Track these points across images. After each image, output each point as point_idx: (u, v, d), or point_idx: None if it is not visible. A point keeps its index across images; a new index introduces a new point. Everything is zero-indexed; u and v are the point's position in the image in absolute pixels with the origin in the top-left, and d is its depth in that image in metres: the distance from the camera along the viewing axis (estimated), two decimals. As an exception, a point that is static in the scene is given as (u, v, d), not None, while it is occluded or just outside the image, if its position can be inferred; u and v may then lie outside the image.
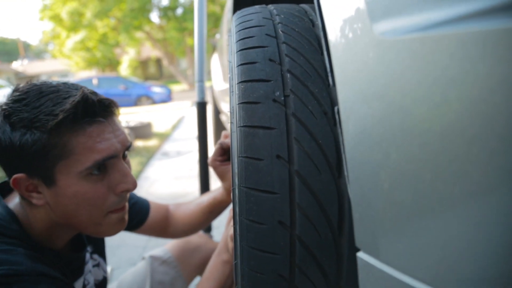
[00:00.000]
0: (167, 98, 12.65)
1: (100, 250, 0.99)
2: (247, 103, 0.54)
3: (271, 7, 0.70)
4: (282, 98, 0.53)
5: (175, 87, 19.58)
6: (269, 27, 0.62)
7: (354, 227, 0.37)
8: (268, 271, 0.54)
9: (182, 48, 18.74)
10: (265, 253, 0.53)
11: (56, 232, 0.76)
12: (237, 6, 1.30)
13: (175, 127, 6.63)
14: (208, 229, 1.66)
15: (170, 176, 3.52)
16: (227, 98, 2.45)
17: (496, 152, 0.24)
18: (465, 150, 0.27)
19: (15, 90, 0.69)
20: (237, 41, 0.61)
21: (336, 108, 0.39)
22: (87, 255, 0.90)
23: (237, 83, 0.56)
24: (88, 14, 16.23)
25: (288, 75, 0.55)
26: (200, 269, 1.22)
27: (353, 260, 0.54)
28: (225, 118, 2.91)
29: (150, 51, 23.58)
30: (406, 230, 0.33)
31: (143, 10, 17.30)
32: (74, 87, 0.70)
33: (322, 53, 0.59)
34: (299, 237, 0.53)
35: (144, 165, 3.96)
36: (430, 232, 0.31)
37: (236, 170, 0.55)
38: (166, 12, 18.43)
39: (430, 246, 0.31)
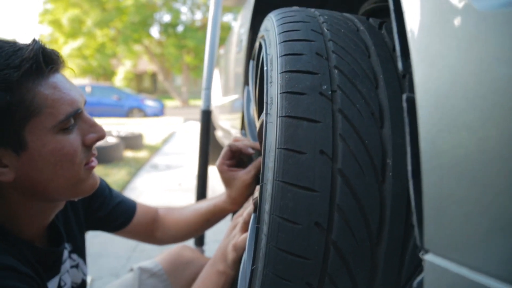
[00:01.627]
0: (160, 112, 12.59)
1: (79, 249, 0.92)
2: (292, 93, 0.51)
3: (312, 9, 0.69)
4: (329, 93, 0.51)
5: (168, 103, 19.55)
6: (315, 24, 0.60)
7: (425, 227, 0.33)
8: (295, 278, 0.50)
9: (179, 65, 18.85)
10: (296, 257, 0.49)
11: (25, 217, 0.69)
12: (257, 12, 1.29)
13: (166, 141, 6.54)
14: (200, 243, 1.59)
15: (158, 189, 3.43)
16: (225, 115, 2.43)
17: None
18: None
19: None
20: (279, 33, 0.59)
21: (405, 96, 0.36)
22: (65, 253, 0.83)
23: (281, 73, 0.53)
24: (89, 22, 16.28)
25: (336, 71, 0.53)
26: (190, 285, 1.15)
27: (391, 272, 0.50)
28: (220, 133, 2.88)
29: (147, 64, 23.66)
30: (487, 228, 0.29)
31: (144, 24, 17.45)
32: (12, 41, 0.65)
33: (369, 56, 0.56)
34: (334, 242, 0.49)
35: (132, 175, 3.87)
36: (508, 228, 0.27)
37: (271, 164, 0.51)
38: (167, 28, 18.62)
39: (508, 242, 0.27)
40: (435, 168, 0.31)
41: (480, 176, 0.28)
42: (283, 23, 0.62)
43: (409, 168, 0.35)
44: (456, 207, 0.30)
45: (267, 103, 0.56)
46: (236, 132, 2.00)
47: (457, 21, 0.29)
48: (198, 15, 20.04)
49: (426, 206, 0.32)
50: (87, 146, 0.69)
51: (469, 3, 0.27)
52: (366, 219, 0.49)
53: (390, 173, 0.49)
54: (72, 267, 0.88)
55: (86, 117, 0.70)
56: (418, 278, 0.37)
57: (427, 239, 0.33)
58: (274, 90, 0.54)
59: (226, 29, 14.14)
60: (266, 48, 0.65)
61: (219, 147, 3.24)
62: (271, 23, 0.68)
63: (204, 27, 18.88)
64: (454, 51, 0.29)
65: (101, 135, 0.70)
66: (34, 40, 0.63)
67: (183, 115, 12.52)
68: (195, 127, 8.63)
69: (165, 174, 4.07)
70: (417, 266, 0.50)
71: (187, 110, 15.99)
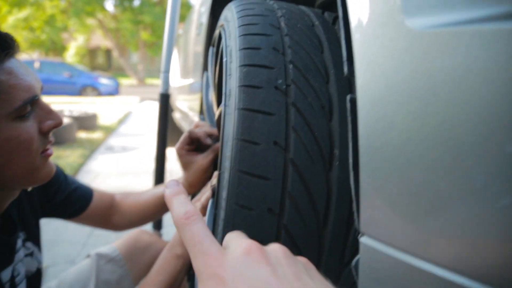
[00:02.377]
0: (114, 91, 12.14)
1: (34, 237, 0.91)
2: (249, 86, 0.53)
3: (270, 1, 0.71)
4: (284, 87, 0.54)
5: (123, 81, 18.88)
6: (273, 18, 0.62)
7: (361, 213, 0.38)
8: (249, 259, 0.54)
9: (136, 41, 18.19)
10: (250, 240, 0.53)
11: None
12: (216, 3, 1.29)
13: (121, 121, 6.37)
14: (158, 226, 1.60)
15: (114, 172, 3.36)
16: (183, 96, 2.41)
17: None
18: (482, 142, 0.28)
19: None
20: (239, 26, 0.61)
21: (349, 97, 0.40)
22: (19, 242, 0.82)
23: (239, 66, 0.55)
24: (37, -9, 15.24)
25: (291, 66, 0.56)
26: (149, 269, 1.16)
27: (335, 253, 0.55)
28: (178, 115, 2.85)
29: (101, 40, 22.62)
30: (412, 213, 0.34)
31: (98, -3, 16.59)
32: None
33: (322, 51, 0.60)
34: (285, 226, 0.53)
35: (86, 158, 3.75)
36: (439, 215, 0.32)
37: (228, 153, 0.54)
38: (122, 2, 17.82)
39: (439, 228, 0.32)
40: (369, 162, 0.35)
41: (406, 169, 0.33)
42: (242, 16, 0.64)
43: (350, 161, 0.40)
44: (386, 196, 0.34)
45: (225, 94, 0.59)
46: (194, 115, 2.00)
47: (391, 36, 0.33)
48: (156, -10, 19.33)
49: (362, 194, 0.37)
50: (44, 134, 0.68)
51: (402, 21, 0.31)
52: (314, 204, 0.53)
53: (337, 163, 0.53)
54: (26, 255, 0.86)
55: (43, 103, 0.69)
56: (356, 258, 0.42)
57: (363, 223, 0.38)
58: (232, 82, 0.56)
59: (184, 6, 13.74)
60: (226, 39, 0.67)
61: (176, 129, 3.22)
62: (232, 14, 0.69)
63: (161, 2, 18.25)
64: (388, 61, 0.33)
65: (58, 122, 0.69)
66: None
67: (139, 94, 12.17)
68: (152, 107, 8.45)
69: (121, 156, 3.98)
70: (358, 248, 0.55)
71: (143, 89, 15.55)
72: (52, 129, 0.70)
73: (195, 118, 1.91)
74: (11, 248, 0.78)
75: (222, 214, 0.54)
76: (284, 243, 0.53)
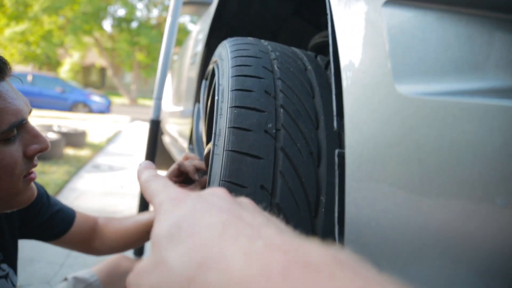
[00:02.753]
0: (106, 109, 12.10)
1: (10, 259, 0.88)
2: (239, 128, 0.54)
3: (265, 42, 0.73)
4: (274, 131, 0.54)
5: (116, 100, 18.87)
6: (266, 61, 0.64)
7: None
8: None
9: (130, 62, 18.30)
10: None
11: None
12: (212, 35, 1.31)
13: (110, 140, 6.32)
14: (140, 253, 1.57)
15: (99, 191, 3.31)
16: (175, 120, 2.41)
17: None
18: (469, 209, 0.29)
19: None
20: (233, 67, 0.62)
21: (337, 151, 0.41)
22: None
23: (230, 107, 0.56)
24: (36, 7, 15.36)
25: (281, 110, 0.56)
26: (128, 297, 1.13)
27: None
28: (168, 139, 2.85)
29: (96, 58, 22.72)
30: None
31: (96, 16, 16.77)
32: None
33: (313, 97, 0.61)
34: None
35: (72, 175, 3.69)
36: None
37: (214, 194, 0.53)
38: (120, 23, 18.04)
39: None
40: (355, 219, 0.35)
41: (391, 233, 0.33)
42: (236, 56, 0.65)
43: (336, 214, 0.40)
44: (369, 252, 0.34)
45: (215, 133, 0.59)
46: (183, 141, 1.99)
47: (381, 99, 0.34)
48: (154, 13, 19.67)
49: (346, 246, 0.37)
50: (28, 157, 0.67)
51: (392, 86, 0.32)
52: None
53: (323, 210, 0.53)
54: (1, 277, 0.84)
55: (30, 127, 0.68)
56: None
57: None
58: (223, 122, 0.57)
59: (181, 31, 13.97)
60: (219, 78, 0.68)
61: (165, 152, 3.20)
62: (226, 52, 0.71)
63: (159, 25, 18.53)
64: (377, 123, 0.33)
65: (44, 146, 0.69)
66: None
67: (131, 114, 12.14)
68: (142, 128, 8.42)
69: (107, 175, 3.93)
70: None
71: (135, 109, 15.53)
72: (38, 153, 0.69)
73: (184, 144, 1.91)
74: None
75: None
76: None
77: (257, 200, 0.51)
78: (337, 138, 0.57)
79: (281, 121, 0.55)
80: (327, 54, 1.03)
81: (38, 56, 17.50)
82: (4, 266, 0.85)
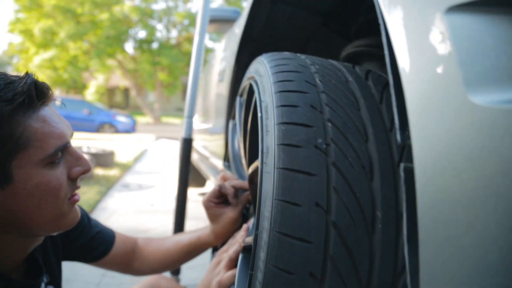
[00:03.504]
0: (131, 129, 12.37)
1: (56, 281, 0.89)
2: (288, 145, 0.53)
3: (302, 56, 0.72)
4: (324, 146, 0.53)
5: (140, 119, 19.28)
6: (307, 74, 0.63)
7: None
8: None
9: (153, 82, 18.72)
10: (289, 305, 0.50)
11: (2, 251, 0.67)
12: (241, 52, 1.32)
13: (137, 159, 6.43)
14: (176, 271, 1.57)
15: (130, 210, 3.35)
16: (203, 137, 2.43)
17: None
18: None
19: None
20: (275, 82, 0.61)
21: (403, 166, 0.39)
22: (42, 286, 0.81)
23: (277, 124, 0.55)
24: (62, 34, 15.99)
25: (329, 124, 0.55)
26: (166, 317, 1.12)
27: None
28: (196, 156, 2.87)
29: (120, 80, 23.35)
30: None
31: (119, 39, 17.32)
32: (2, 72, 0.64)
33: (359, 109, 0.60)
34: (326, 292, 0.50)
35: (103, 195, 3.76)
36: None
37: (267, 214, 0.52)
38: (141, 45, 18.54)
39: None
40: (431, 237, 0.34)
41: (473, 249, 0.31)
42: (277, 72, 0.65)
43: (405, 232, 0.38)
44: (452, 276, 0.32)
45: (262, 151, 0.58)
46: (211, 157, 2.00)
47: (453, 109, 0.32)
48: (174, 33, 20.11)
49: (423, 271, 0.35)
50: (72, 180, 0.69)
51: (464, 95, 0.31)
52: (356, 268, 0.51)
53: (380, 225, 0.51)
54: None
55: (73, 150, 0.69)
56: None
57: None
58: (270, 140, 0.56)
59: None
60: (260, 95, 0.68)
61: (193, 169, 3.22)
62: (265, 68, 0.70)
63: (179, 45, 18.93)
64: (449, 134, 0.32)
65: (87, 168, 0.70)
66: (27, 73, 0.63)
67: (155, 132, 12.35)
68: (167, 145, 8.54)
69: (136, 194, 3.98)
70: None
71: (159, 127, 15.81)
72: (81, 175, 0.70)
73: (214, 161, 1.91)
74: None
75: (260, 276, 0.52)
76: (325, 309, 0.51)
77: (313, 218, 0.50)
78: (388, 150, 0.56)
79: (330, 136, 0.54)
80: (362, 64, 1.02)
81: (65, 80, 18.14)
82: None
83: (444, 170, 0.32)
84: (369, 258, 0.51)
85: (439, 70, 0.33)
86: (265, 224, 0.52)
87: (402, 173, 0.39)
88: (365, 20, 1.04)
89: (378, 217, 0.52)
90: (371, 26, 1.07)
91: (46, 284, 0.84)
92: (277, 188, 0.51)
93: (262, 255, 0.52)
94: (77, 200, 0.71)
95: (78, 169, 0.69)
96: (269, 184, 0.53)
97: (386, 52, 0.42)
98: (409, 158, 0.53)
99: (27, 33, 16.81)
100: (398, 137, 0.39)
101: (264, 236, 0.52)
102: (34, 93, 0.61)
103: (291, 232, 0.49)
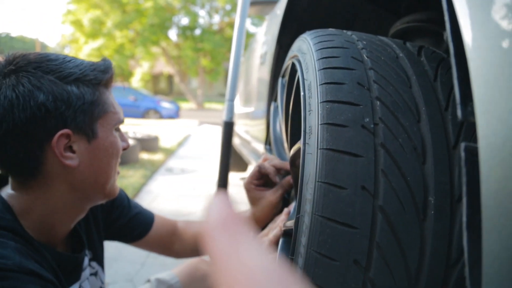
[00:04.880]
0: (175, 114, 12.66)
1: (99, 257, 0.93)
2: (333, 124, 0.50)
3: (348, 32, 0.68)
4: (372, 126, 0.49)
5: (183, 105, 19.68)
6: (354, 51, 0.59)
7: (483, 285, 0.32)
8: (330, 314, 0.49)
9: (196, 68, 18.97)
10: (332, 293, 0.48)
11: (61, 213, 0.72)
12: (283, 32, 1.28)
13: (180, 144, 6.58)
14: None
15: (174, 193, 3.44)
16: (245, 121, 2.42)
17: None
18: None
19: (22, 55, 0.67)
20: (319, 59, 0.58)
21: (463, 145, 0.35)
22: (86, 260, 0.84)
23: (321, 102, 0.52)
24: (109, 23, 16.52)
25: (378, 102, 0.51)
26: (206, 299, 1.14)
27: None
28: (237, 140, 2.87)
29: (163, 66, 23.89)
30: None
31: (162, 27, 17.62)
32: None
33: (410, 86, 0.55)
34: (372, 280, 0.47)
35: (147, 178, 3.88)
36: None
37: (309, 196, 0.50)
38: (185, 31, 18.77)
39: None
40: (499, 225, 0.30)
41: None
42: (321, 48, 0.61)
43: (465, 219, 0.34)
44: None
45: (305, 131, 0.55)
46: (253, 141, 1.99)
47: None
48: (216, 19, 20.19)
49: (486, 264, 0.31)
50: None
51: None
52: (405, 258, 0.47)
53: (432, 212, 0.47)
54: (91, 274, 0.88)
55: (120, 128, 0.79)
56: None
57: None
58: (313, 119, 0.53)
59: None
60: (303, 73, 0.64)
61: (235, 153, 3.24)
62: (307, 45, 0.67)
63: (221, 30, 18.99)
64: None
65: (128, 145, 0.79)
66: (105, 58, 0.75)
67: (198, 118, 12.57)
68: (210, 131, 8.66)
69: (179, 178, 4.08)
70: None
71: (202, 113, 16.07)
72: (124, 150, 0.78)
73: (256, 145, 1.90)
74: (78, 265, 0.80)
75: (300, 261, 0.50)
76: (370, 299, 0.48)
77: (359, 202, 0.46)
78: (443, 131, 0.51)
79: (379, 115, 0.50)
80: (413, 40, 0.95)
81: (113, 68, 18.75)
82: (94, 264, 0.90)
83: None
84: (420, 247, 0.47)
85: (509, 34, 0.28)
86: (307, 207, 0.50)
87: (462, 153, 0.35)
88: (416, -6, 0.97)
89: (431, 203, 0.48)
90: (421, 0, 1.00)
91: (90, 260, 0.88)
92: (320, 170, 0.48)
93: (303, 239, 0.50)
94: (119, 173, 0.79)
95: (124, 143, 0.77)
96: (312, 166, 0.50)
97: (447, 19, 0.37)
98: (468, 138, 0.48)
99: (77, 24, 17.52)
100: (459, 112, 0.35)
101: (306, 220, 0.49)
102: (112, 73, 0.73)
103: (335, 216, 0.46)
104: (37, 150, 0.64)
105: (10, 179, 0.71)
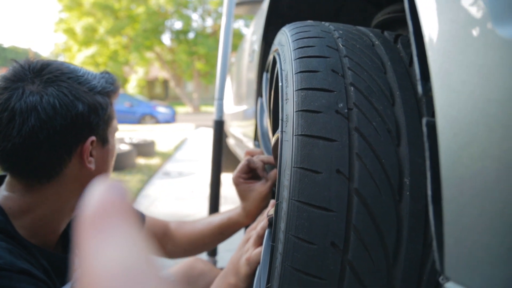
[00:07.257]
0: (171, 119, 12.67)
1: None
2: (307, 111, 0.50)
3: (326, 23, 0.69)
4: (345, 111, 0.50)
5: (179, 109, 19.69)
6: (330, 40, 0.60)
7: (445, 255, 0.32)
8: (311, 298, 0.49)
9: (190, 72, 18.99)
10: (312, 277, 0.48)
11: (57, 219, 0.74)
12: (270, 23, 1.29)
13: (177, 148, 6.58)
14: (213, 253, 1.59)
15: (171, 196, 3.44)
16: (238, 122, 2.43)
17: None
18: None
19: (47, 63, 0.71)
20: (294, 49, 0.59)
21: (425, 120, 0.36)
22: (77, 260, 0.85)
23: (296, 90, 0.53)
24: (102, 30, 16.53)
25: (352, 88, 0.52)
26: (202, 298, 1.14)
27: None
28: (232, 141, 2.88)
29: (158, 71, 23.89)
30: (510, 258, 0.28)
31: (156, 32, 17.65)
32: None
33: (385, 72, 0.56)
34: (350, 262, 0.48)
35: (145, 183, 3.88)
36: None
37: (286, 182, 0.51)
38: (178, 35, 18.80)
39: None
40: (456, 196, 0.30)
41: (503, 206, 0.27)
42: (298, 39, 0.62)
43: (429, 193, 0.35)
44: (477, 237, 0.29)
45: (282, 120, 0.56)
46: (248, 141, 1.99)
47: (478, 48, 0.28)
48: (209, 22, 20.22)
49: (447, 234, 0.32)
50: None
51: (492, 30, 0.27)
52: (382, 239, 0.48)
53: (408, 193, 0.48)
54: None
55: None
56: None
57: (448, 267, 0.32)
58: (289, 107, 0.54)
59: (236, 36, 14.22)
60: (281, 64, 0.65)
61: (231, 154, 3.24)
62: (286, 37, 0.68)
63: (214, 33, 19.02)
64: (475, 78, 0.28)
65: (117, 152, 0.82)
66: (106, 71, 0.82)
67: (195, 122, 12.58)
68: (207, 134, 8.67)
69: (177, 181, 4.08)
70: (436, 288, 0.49)
71: (198, 117, 16.07)
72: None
73: (249, 144, 1.91)
74: (69, 266, 0.80)
75: (280, 247, 0.51)
76: (349, 281, 0.49)
77: (334, 185, 0.47)
78: (418, 115, 0.52)
79: (353, 100, 0.51)
80: (395, 30, 0.96)
81: (107, 75, 18.72)
82: None
83: (471, 120, 0.29)
84: (396, 228, 0.48)
85: (461, 5, 0.29)
86: (285, 193, 0.50)
87: (424, 128, 0.35)
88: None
89: (406, 184, 0.48)
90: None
91: None
92: (296, 156, 0.49)
93: (282, 225, 0.50)
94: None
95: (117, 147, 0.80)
96: (288, 153, 0.51)
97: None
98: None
99: (70, 32, 17.52)
100: (420, 88, 0.35)
101: (284, 206, 0.50)
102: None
103: (311, 200, 0.47)
104: (65, 155, 0.70)
105: (6, 181, 0.71)
